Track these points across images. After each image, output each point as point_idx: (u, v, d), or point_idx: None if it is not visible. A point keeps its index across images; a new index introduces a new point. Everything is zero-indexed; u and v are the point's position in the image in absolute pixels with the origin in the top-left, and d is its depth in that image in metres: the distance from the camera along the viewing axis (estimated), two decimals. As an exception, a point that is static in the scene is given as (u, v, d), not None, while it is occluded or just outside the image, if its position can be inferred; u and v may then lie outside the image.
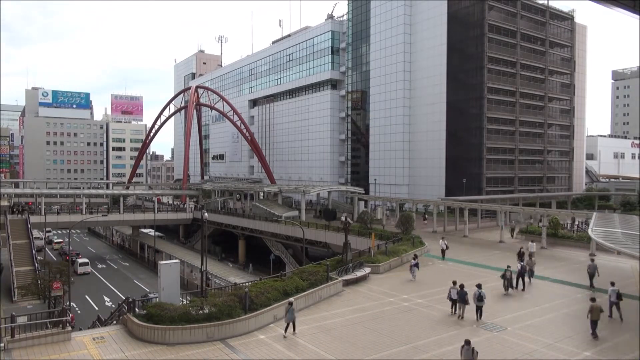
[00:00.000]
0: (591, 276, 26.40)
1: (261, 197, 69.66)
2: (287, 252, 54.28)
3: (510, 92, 67.99)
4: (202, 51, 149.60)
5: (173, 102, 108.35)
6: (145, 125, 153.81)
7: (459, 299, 21.27)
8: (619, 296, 20.68)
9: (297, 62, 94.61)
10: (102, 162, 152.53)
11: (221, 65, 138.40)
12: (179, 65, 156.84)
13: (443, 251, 34.77)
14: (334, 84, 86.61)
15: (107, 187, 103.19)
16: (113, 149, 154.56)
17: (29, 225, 52.01)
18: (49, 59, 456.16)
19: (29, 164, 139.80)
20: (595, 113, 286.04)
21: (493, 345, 17.90)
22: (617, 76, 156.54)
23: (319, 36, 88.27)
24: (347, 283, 26.96)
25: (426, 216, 58.06)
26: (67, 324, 18.19)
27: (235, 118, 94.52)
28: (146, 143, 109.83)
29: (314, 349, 17.75)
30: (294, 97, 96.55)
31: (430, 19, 67.86)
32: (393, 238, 38.20)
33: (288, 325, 19.12)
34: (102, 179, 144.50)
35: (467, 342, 15.09)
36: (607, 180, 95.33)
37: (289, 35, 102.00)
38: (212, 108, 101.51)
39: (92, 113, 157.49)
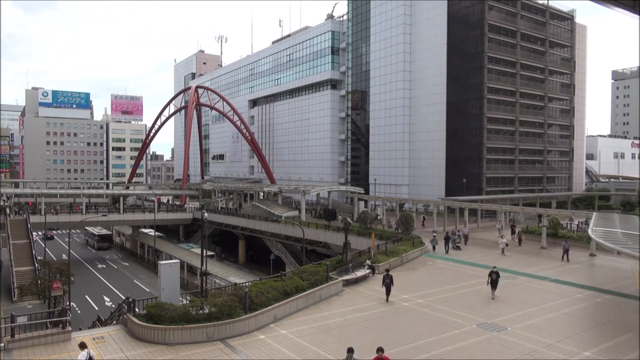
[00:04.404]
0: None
1: (261, 197, 69.64)
2: (287, 252, 54.26)
3: (510, 92, 67.97)
4: (202, 51, 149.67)
5: (173, 102, 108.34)
6: (145, 125, 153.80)
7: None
8: None
9: (297, 62, 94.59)
10: (102, 162, 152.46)
11: (221, 65, 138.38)
12: (179, 65, 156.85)
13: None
14: (334, 84, 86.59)
15: (107, 187, 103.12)
16: (113, 149, 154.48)
17: (29, 225, 51.98)
18: (48, 60, 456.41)
19: (29, 164, 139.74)
20: (595, 113, 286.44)
21: (493, 346, 17.89)
22: (617, 76, 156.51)
23: (319, 36, 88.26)
24: (347, 283, 26.96)
25: (424, 217, 57.86)
26: (67, 324, 18.17)
27: (235, 118, 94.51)
28: (146, 143, 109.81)
29: (314, 349, 17.74)
30: (294, 97, 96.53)
31: (430, 19, 67.85)
32: (393, 238, 38.21)
33: None
34: (102, 179, 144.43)
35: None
36: (607, 180, 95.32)
37: (289, 35, 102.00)
38: (212, 108, 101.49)
39: (92, 113, 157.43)
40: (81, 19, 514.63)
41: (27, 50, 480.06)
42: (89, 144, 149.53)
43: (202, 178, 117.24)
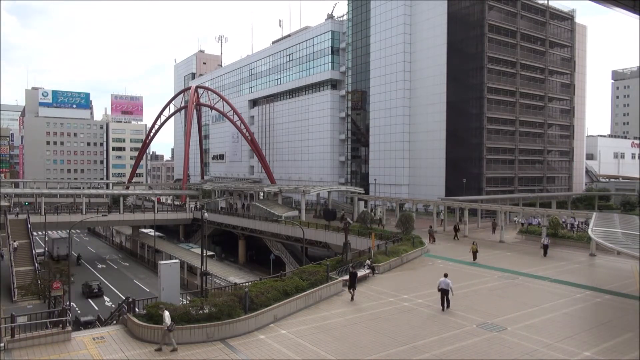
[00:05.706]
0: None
1: (261, 197, 69.62)
2: (287, 252, 54.23)
3: (510, 92, 67.97)
4: (202, 51, 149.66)
5: (173, 102, 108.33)
6: (145, 125, 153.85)
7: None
8: None
9: (297, 62, 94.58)
10: (102, 162, 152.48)
11: (221, 65, 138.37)
12: (179, 65, 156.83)
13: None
14: (334, 84, 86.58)
15: (107, 187, 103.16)
16: (113, 149, 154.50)
17: (29, 225, 52.00)
18: (47, 63, 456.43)
19: (29, 164, 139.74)
20: (595, 113, 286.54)
21: (493, 346, 17.89)
22: (617, 76, 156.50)
23: (318, 36, 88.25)
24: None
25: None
26: (67, 324, 18.16)
27: (235, 118, 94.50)
28: (146, 143, 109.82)
29: (314, 349, 17.74)
30: (294, 97, 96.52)
31: (430, 19, 67.84)
32: (393, 238, 38.20)
33: None
34: (102, 179, 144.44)
35: None
36: (607, 180, 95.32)
37: (289, 35, 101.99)
38: (212, 108, 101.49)
39: (92, 113, 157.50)
40: (79, 21, 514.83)
41: (25, 54, 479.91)
42: (89, 144, 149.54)
43: (202, 178, 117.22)
